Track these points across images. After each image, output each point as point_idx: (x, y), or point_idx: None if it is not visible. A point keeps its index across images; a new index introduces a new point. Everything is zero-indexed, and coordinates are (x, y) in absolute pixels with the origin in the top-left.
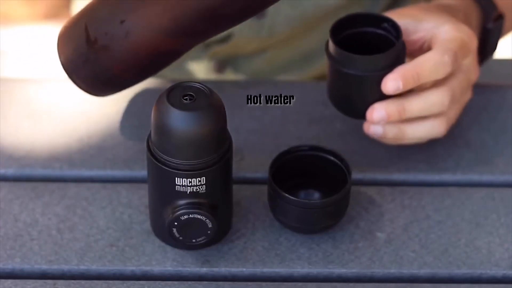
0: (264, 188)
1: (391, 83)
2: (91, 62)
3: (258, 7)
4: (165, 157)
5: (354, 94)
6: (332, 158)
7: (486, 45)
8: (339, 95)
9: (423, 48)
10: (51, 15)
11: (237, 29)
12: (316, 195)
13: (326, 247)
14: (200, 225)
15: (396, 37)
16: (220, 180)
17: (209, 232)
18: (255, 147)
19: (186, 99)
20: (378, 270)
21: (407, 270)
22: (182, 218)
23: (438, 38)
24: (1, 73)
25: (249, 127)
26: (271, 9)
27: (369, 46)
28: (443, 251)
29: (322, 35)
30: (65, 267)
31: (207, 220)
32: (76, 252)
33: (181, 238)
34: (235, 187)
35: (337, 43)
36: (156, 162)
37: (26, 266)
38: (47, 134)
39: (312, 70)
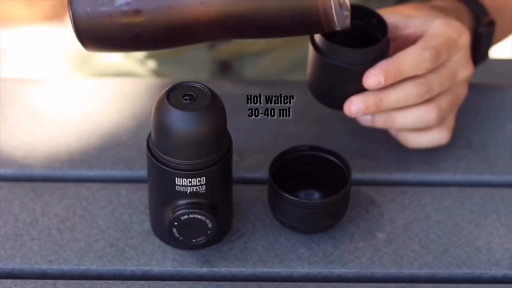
0: (264, 188)
1: (372, 78)
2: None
3: (306, 32)
4: (165, 157)
5: (334, 85)
6: (332, 158)
7: (477, 51)
8: (319, 84)
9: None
10: (51, 15)
11: None
12: (316, 195)
13: (326, 247)
14: (200, 225)
15: (382, 33)
16: (220, 180)
17: (209, 232)
18: (255, 147)
19: (186, 99)
20: (378, 270)
21: (407, 270)
22: (182, 218)
23: (427, 34)
24: (1, 73)
25: (249, 127)
26: None
27: (354, 38)
28: (443, 251)
29: None
30: (65, 267)
31: (207, 220)
32: (76, 252)
33: (181, 238)
34: (235, 187)
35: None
36: (156, 162)
37: (26, 266)
38: (47, 134)
39: None
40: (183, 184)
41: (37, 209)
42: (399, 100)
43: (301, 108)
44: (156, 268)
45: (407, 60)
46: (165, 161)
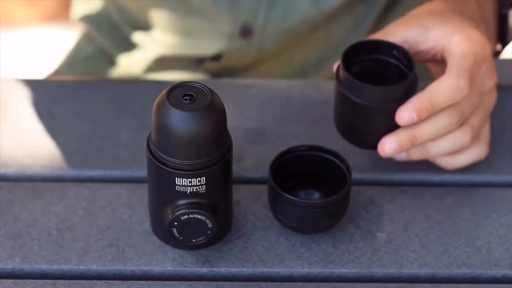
0: (264, 188)
1: (404, 114)
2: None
3: None
4: (165, 157)
5: (363, 124)
6: (332, 158)
7: (505, 32)
8: (347, 124)
9: (435, 58)
10: (51, 16)
11: (226, 51)
12: (316, 195)
13: (326, 247)
14: (200, 225)
15: (408, 66)
16: (220, 180)
17: (209, 232)
18: (255, 147)
19: (186, 99)
20: (378, 270)
21: (407, 270)
22: (182, 218)
23: (450, 54)
24: (1, 73)
25: (249, 127)
26: (258, 27)
27: (379, 73)
28: (443, 251)
29: (314, 46)
30: (65, 267)
31: (207, 220)
32: (76, 252)
33: (181, 238)
34: (235, 187)
35: (348, 69)
36: (156, 162)
37: (26, 266)
38: (47, 134)
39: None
40: (183, 184)
41: (37, 209)
42: (433, 133)
43: (301, 108)
44: (156, 268)
45: (440, 92)
46: (165, 161)
